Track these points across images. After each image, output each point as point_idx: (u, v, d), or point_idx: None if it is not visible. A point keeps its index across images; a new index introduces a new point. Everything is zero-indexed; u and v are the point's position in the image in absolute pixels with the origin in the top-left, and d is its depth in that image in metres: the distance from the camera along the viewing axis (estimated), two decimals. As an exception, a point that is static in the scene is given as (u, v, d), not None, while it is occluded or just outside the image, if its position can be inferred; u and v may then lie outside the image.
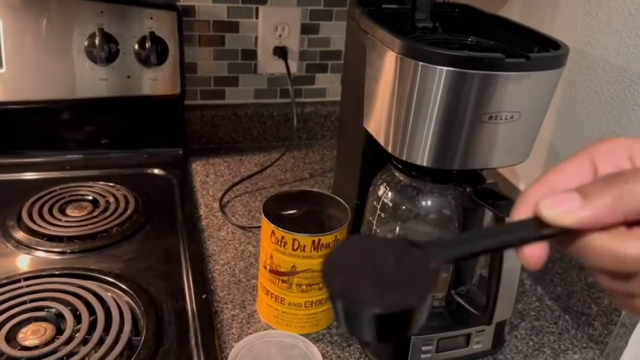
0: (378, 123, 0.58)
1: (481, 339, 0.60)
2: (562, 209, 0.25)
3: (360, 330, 0.25)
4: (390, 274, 0.25)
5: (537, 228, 0.26)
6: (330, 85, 1.06)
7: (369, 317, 0.24)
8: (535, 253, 0.26)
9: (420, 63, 0.49)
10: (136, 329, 0.59)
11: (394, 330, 0.25)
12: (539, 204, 0.25)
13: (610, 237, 0.24)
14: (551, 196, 0.25)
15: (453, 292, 0.59)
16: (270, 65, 1.00)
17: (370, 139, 0.61)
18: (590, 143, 0.28)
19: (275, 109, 1.02)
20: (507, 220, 0.39)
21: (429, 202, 0.59)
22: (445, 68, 0.48)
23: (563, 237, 0.25)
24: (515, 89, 0.49)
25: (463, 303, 0.58)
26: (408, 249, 0.27)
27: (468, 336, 0.59)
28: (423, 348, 0.58)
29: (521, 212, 0.27)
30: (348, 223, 0.60)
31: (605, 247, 0.24)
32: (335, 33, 1.01)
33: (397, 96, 0.52)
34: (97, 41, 0.82)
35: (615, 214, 0.24)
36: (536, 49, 0.54)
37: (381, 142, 0.57)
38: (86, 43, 0.83)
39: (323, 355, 0.58)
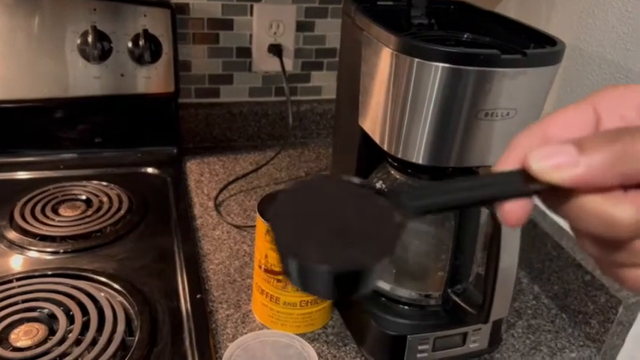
0: (373, 120, 0.57)
1: (478, 338, 0.60)
2: (554, 163, 0.21)
3: (312, 288, 0.23)
4: (348, 227, 0.23)
5: (523, 182, 0.23)
6: (325, 82, 1.05)
7: (321, 275, 0.22)
8: (517, 209, 0.23)
9: (416, 59, 0.48)
10: (129, 329, 0.58)
11: (349, 289, 0.22)
12: (528, 155, 0.22)
13: (603, 199, 0.21)
14: (544, 147, 0.22)
15: (449, 290, 0.58)
16: (265, 63, 0.99)
17: (366, 137, 0.60)
18: (596, 90, 0.24)
19: (270, 108, 1.02)
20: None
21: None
22: (441, 65, 0.47)
23: (550, 194, 0.23)
24: (511, 86, 0.49)
25: (459, 301, 0.57)
26: (371, 197, 0.24)
27: (465, 335, 0.59)
28: (419, 347, 0.58)
29: (507, 162, 0.24)
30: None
31: (596, 209, 0.21)
32: (330, 30, 1.01)
33: (392, 93, 0.52)
34: (89, 39, 0.82)
35: (614, 176, 0.21)
36: (532, 46, 0.54)
37: (377, 139, 0.57)
38: (79, 41, 0.83)
39: (318, 354, 0.58)
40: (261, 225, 0.59)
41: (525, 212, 0.23)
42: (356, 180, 0.26)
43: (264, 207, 0.60)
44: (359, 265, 0.22)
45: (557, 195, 0.22)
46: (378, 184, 0.61)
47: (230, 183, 0.90)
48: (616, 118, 0.23)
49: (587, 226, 0.22)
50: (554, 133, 0.23)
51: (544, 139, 0.23)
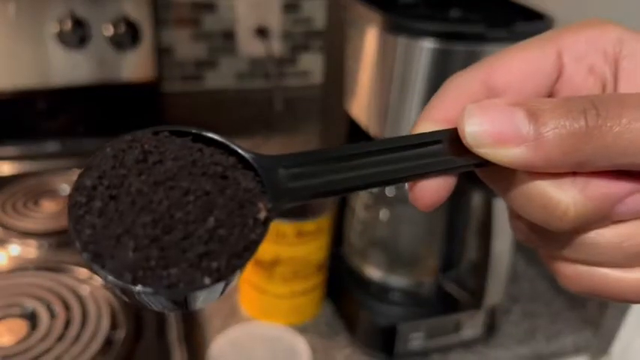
0: (359, 104, 0.56)
1: (472, 324, 0.59)
2: (496, 132, 0.16)
3: (128, 297, 0.17)
4: (183, 223, 0.16)
5: (450, 153, 0.17)
6: (314, 66, 1.03)
7: (131, 293, 0.16)
8: (433, 189, 0.18)
9: (401, 38, 0.47)
10: (114, 324, 0.57)
11: (172, 307, 0.16)
12: (463, 113, 0.17)
13: (549, 184, 0.17)
14: (484, 104, 0.17)
15: (441, 276, 0.57)
16: (251, 47, 0.97)
17: (354, 122, 0.59)
18: (564, 26, 0.19)
19: (258, 93, 0.99)
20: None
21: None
22: (427, 43, 0.46)
23: (483, 169, 0.18)
24: None
25: (453, 288, 0.56)
26: (229, 173, 0.17)
27: (459, 322, 0.58)
28: (412, 335, 0.56)
29: (432, 116, 0.19)
30: (332, 210, 0.58)
31: (539, 195, 0.17)
32: (317, 11, 0.98)
33: (378, 74, 0.50)
34: (68, 26, 0.79)
35: (569, 163, 0.16)
36: (519, 22, 0.52)
37: (363, 124, 0.55)
38: (57, 28, 0.80)
39: (309, 346, 0.57)
40: (246, 214, 0.57)
41: (444, 192, 0.18)
42: (215, 137, 0.18)
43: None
44: (202, 284, 0.15)
45: (494, 172, 0.18)
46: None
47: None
48: (583, 69, 0.18)
49: (528, 212, 0.18)
50: (503, 84, 0.18)
51: (488, 88, 0.18)
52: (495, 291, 0.53)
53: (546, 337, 0.62)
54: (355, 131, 0.59)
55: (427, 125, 0.19)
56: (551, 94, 0.19)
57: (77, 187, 0.17)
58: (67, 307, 0.57)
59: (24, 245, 0.68)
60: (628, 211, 0.17)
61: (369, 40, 0.51)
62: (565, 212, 0.17)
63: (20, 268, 0.63)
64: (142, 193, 0.16)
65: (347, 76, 0.58)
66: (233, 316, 0.61)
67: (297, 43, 1.00)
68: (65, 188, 0.78)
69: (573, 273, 0.19)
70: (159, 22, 0.86)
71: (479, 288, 0.53)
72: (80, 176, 0.17)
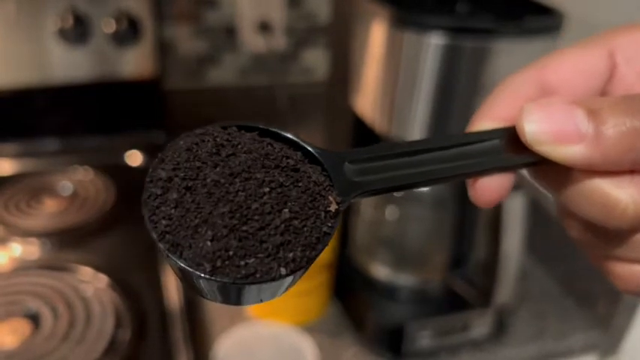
0: (365, 100, 0.55)
1: (481, 323, 0.58)
2: (556, 130, 0.16)
3: (199, 293, 0.17)
4: (257, 216, 0.16)
5: (509, 151, 0.18)
6: (318, 62, 1.02)
7: (211, 284, 0.16)
8: (493, 187, 0.18)
9: (409, 33, 0.46)
10: (118, 324, 0.56)
11: (245, 300, 0.17)
12: (522, 111, 0.17)
13: (608, 182, 0.17)
14: (543, 103, 0.17)
15: (450, 275, 0.57)
16: (254, 43, 0.96)
17: (359, 119, 0.58)
18: (611, 29, 0.19)
19: (260, 90, 0.99)
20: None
21: (423, 183, 0.56)
22: (435, 37, 0.45)
23: (541, 168, 0.18)
24: (509, 58, 0.47)
25: (461, 287, 0.56)
26: (298, 168, 0.17)
27: (467, 321, 0.57)
28: (419, 334, 0.56)
29: (490, 115, 0.19)
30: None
31: (599, 193, 0.17)
32: (321, 6, 0.97)
33: (385, 69, 0.50)
34: (68, 22, 0.78)
35: (630, 159, 0.16)
36: (529, 16, 0.51)
37: (369, 121, 0.54)
38: (57, 25, 0.79)
39: (316, 345, 0.56)
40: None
41: (504, 190, 0.19)
42: (282, 132, 0.19)
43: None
44: (263, 280, 0.16)
45: (550, 170, 0.18)
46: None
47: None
48: (636, 70, 0.18)
49: (585, 211, 0.18)
50: (556, 84, 0.19)
51: (543, 89, 0.19)
52: (504, 290, 0.53)
53: (555, 336, 0.62)
54: (360, 128, 0.59)
55: (484, 124, 0.19)
56: (603, 95, 0.19)
57: (152, 180, 0.17)
58: (70, 307, 0.57)
59: (26, 244, 0.67)
60: None
61: (376, 35, 0.50)
62: (624, 210, 0.16)
63: (23, 267, 0.62)
64: (218, 184, 0.16)
65: (352, 72, 0.57)
66: (238, 315, 0.61)
67: (301, 39, 0.99)
68: (66, 186, 0.77)
69: (629, 273, 0.19)
70: (160, 17, 0.85)
71: (488, 287, 0.52)
72: (154, 168, 0.17)
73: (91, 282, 0.61)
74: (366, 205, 0.59)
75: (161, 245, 0.16)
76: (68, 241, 0.68)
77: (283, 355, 0.54)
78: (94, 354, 0.52)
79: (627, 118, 0.16)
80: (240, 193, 0.16)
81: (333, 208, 0.17)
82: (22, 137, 0.85)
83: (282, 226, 0.16)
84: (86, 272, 0.62)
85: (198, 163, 0.17)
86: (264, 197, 0.16)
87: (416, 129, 0.50)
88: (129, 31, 0.81)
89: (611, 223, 0.17)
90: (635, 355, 0.63)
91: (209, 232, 0.15)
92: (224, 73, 0.98)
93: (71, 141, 0.87)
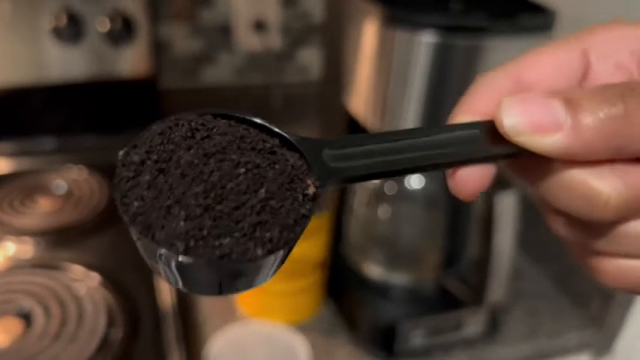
0: (358, 99, 0.55)
1: (474, 322, 0.58)
2: (534, 121, 0.16)
3: (170, 279, 0.16)
4: (233, 196, 0.16)
5: (487, 142, 0.18)
6: (313, 61, 1.02)
7: (176, 265, 0.15)
8: (472, 178, 0.18)
9: (401, 31, 0.46)
10: (111, 323, 0.56)
11: (223, 286, 0.16)
12: (500, 104, 0.17)
13: (588, 173, 0.17)
14: (521, 96, 0.17)
15: (442, 273, 0.57)
16: (249, 42, 0.96)
17: (353, 118, 0.58)
18: (586, 28, 0.19)
19: (255, 89, 0.99)
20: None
21: (416, 182, 0.56)
22: (428, 35, 0.45)
23: (520, 160, 0.18)
24: (501, 55, 0.47)
25: (454, 285, 0.56)
26: (276, 151, 0.17)
27: (460, 319, 0.57)
28: (413, 333, 0.56)
29: (468, 110, 0.19)
30: (331, 206, 0.57)
31: (579, 185, 0.17)
32: (316, 6, 0.97)
33: (377, 68, 0.49)
34: (63, 21, 0.78)
35: (609, 148, 0.16)
36: (521, 14, 0.51)
37: (362, 119, 0.54)
38: (52, 24, 0.79)
39: (309, 344, 0.56)
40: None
41: (483, 182, 0.18)
42: (257, 120, 0.18)
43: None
44: (254, 255, 0.15)
45: (530, 163, 0.18)
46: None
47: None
48: (610, 66, 0.19)
49: (566, 204, 0.17)
50: (532, 80, 0.19)
51: (519, 86, 0.19)
52: (497, 288, 0.53)
53: (549, 334, 0.61)
54: (354, 127, 0.58)
55: (462, 118, 0.19)
56: None
57: (124, 164, 0.17)
58: (62, 306, 0.57)
59: (20, 243, 0.67)
60: None
61: (368, 34, 0.50)
62: (606, 201, 0.16)
63: (16, 266, 0.62)
64: (192, 165, 0.16)
65: (346, 71, 0.57)
66: (231, 314, 0.61)
67: (296, 38, 0.99)
68: (61, 185, 0.77)
69: (615, 268, 0.18)
70: (155, 16, 0.85)
71: (480, 285, 0.52)
72: (126, 154, 0.17)
73: (84, 281, 0.61)
74: (360, 204, 0.59)
75: (132, 228, 0.16)
76: (62, 240, 0.68)
77: (276, 354, 0.54)
78: (86, 353, 0.52)
79: (605, 106, 0.16)
80: (214, 173, 0.16)
81: (311, 191, 0.17)
82: (17, 136, 0.85)
83: (259, 205, 0.16)
84: (79, 271, 0.62)
85: (171, 146, 0.17)
86: (240, 177, 0.16)
87: (408, 127, 0.50)
88: (124, 30, 0.81)
89: (594, 216, 0.17)
90: (629, 353, 0.63)
91: (182, 212, 0.15)
92: (219, 72, 0.98)
93: (66, 140, 0.87)
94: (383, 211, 0.57)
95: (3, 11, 0.77)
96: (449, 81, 0.47)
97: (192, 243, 0.15)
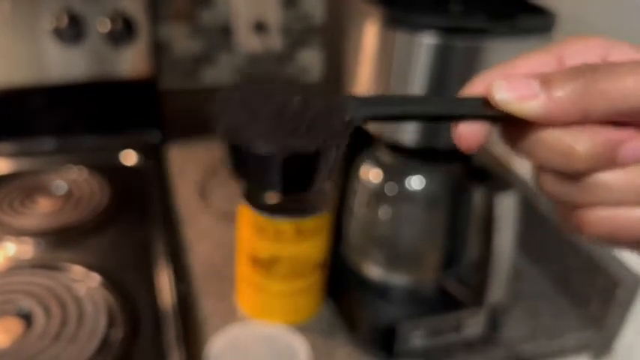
0: (360, 99, 0.55)
1: (474, 323, 0.58)
2: (517, 94, 0.22)
3: (259, 177, 0.23)
4: (296, 116, 0.23)
5: (483, 107, 0.23)
6: (313, 62, 1.02)
7: (268, 160, 0.22)
8: (471, 132, 0.23)
9: (401, 32, 0.46)
10: (111, 324, 0.56)
11: (299, 181, 0.23)
12: (492, 85, 0.22)
13: (562, 132, 0.21)
14: (508, 78, 0.22)
15: (443, 274, 0.57)
16: (249, 43, 0.96)
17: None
18: (563, 39, 0.24)
19: (256, 90, 0.99)
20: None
21: (416, 183, 0.56)
22: (428, 37, 0.45)
23: (508, 124, 0.23)
24: (501, 57, 0.47)
25: (454, 286, 0.56)
26: (319, 98, 0.24)
27: (460, 320, 0.57)
28: (413, 334, 0.56)
29: (470, 91, 0.24)
30: (331, 207, 0.57)
31: (555, 141, 0.21)
32: (317, 7, 0.97)
33: (378, 70, 0.50)
34: (63, 21, 0.78)
35: (575, 112, 0.21)
36: (521, 16, 0.52)
37: (364, 120, 0.54)
38: (52, 24, 0.79)
39: (309, 344, 0.56)
40: (245, 212, 0.56)
41: (479, 138, 0.24)
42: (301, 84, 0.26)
43: (249, 193, 0.57)
44: (309, 148, 0.22)
45: (515, 126, 0.23)
46: (367, 168, 0.58)
47: (215, 170, 0.87)
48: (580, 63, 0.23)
49: (547, 159, 0.22)
50: (520, 70, 0.24)
51: (511, 75, 0.24)
52: (497, 289, 0.53)
53: (548, 335, 0.62)
54: (356, 129, 0.59)
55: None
56: None
57: (218, 98, 0.24)
58: (63, 306, 0.57)
59: (20, 243, 0.67)
60: (629, 154, 0.21)
61: (369, 35, 0.50)
62: (579, 155, 0.21)
63: (16, 266, 0.63)
64: (264, 96, 0.24)
65: (346, 72, 0.57)
66: (231, 315, 0.61)
67: (296, 39, 0.99)
68: (61, 185, 0.77)
69: (595, 218, 0.22)
70: (156, 17, 0.85)
71: (480, 286, 0.52)
72: (217, 97, 0.24)
73: (84, 281, 0.61)
74: (360, 205, 0.59)
75: (223, 132, 0.22)
76: (62, 240, 0.68)
77: (276, 354, 0.54)
78: (86, 353, 0.52)
79: (570, 81, 0.21)
80: (278, 101, 0.23)
81: (347, 118, 0.23)
82: (17, 136, 0.85)
83: (310, 120, 0.22)
84: (79, 271, 0.62)
85: (249, 89, 0.24)
86: (295, 104, 0.23)
87: (408, 128, 0.50)
88: (124, 31, 0.81)
89: (569, 167, 0.21)
90: (628, 354, 0.63)
91: (261, 122, 0.22)
92: (220, 73, 0.98)
93: (66, 140, 0.87)
94: (383, 212, 0.58)
95: (3, 11, 0.78)
96: (448, 81, 0.47)
97: (269, 138, 0.21)
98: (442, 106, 0.24)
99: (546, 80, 0.21)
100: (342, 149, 0.22)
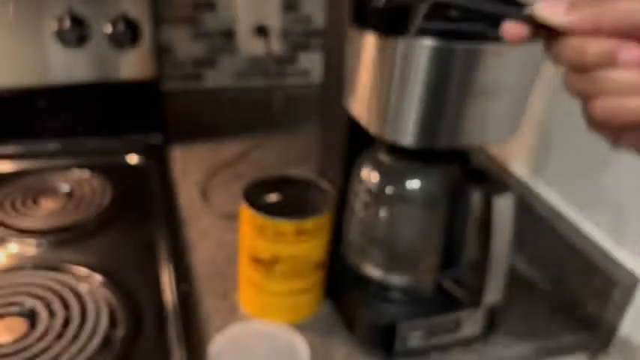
0: (359, 102, 0.56)
1: (471, 323, 0.59)
2: (551, 11, 0.30)
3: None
4: None
5: (529, 18, 0.31)
6: (314, 65, 1.03)
7: None
8: (515, 27, 0.31)
9: (402, 38, 0.47)
10: (113, 322, 0.57)
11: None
12: (535, 6, 0.31)
13: (579, 39, 0.29)
14: (547, 2, 0.31)
15: (441, 275, 0.57)
16: (251, 45, 0.97)
17: (353, 121, 0.59)
18: None
19: (257, 92, 1.00)
20: None
21: (415, 184, 0.57)
22: (428, 42, 0.46)
23: (543, 31, 0.31)
24: (500, 62, 0.48)
25: (452, 286, 0.56)
26: None
27: (458, 320, 0.58)
28: (411, 334, 0.57)
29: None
30: (331, 208, 0.58)
31: (574, 43, 0.30)
32: (317, 10, 0.98)
33: (378, 73, 0.50)
34: (66, 24, 0.79)
35: (591, 25, 0.29)
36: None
37: (364, 122, 0.55)
38: (56, 27, 0.80)
39: (308, 343, 0.57)
40: (246, 212, 0.57)
41: (522, 33, 0.31)
42: None
43: (250, 194, 0.58)
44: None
45: (550, 36, 0.31)
46: (367, 170, 0.59)
47: (217, 170, 0.88)
48: None
49: (567, 57, 0.30)
50: None
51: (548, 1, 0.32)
52: (494, 289, 0.53)
53: (545, 335, 0.62)
54: (355, 130, 0.59)
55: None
56: None
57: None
58: (66, 306, 0.57)
59: (23, 244, 0.68)
60: (625, 56, 0.28)
61: (369, 39, 0.51)
62: (589, 54, 0.29)
63: (19, 266, 0.63)
64: None
65: (346, 75, 0.58)
66: (233, 314, 0.61)
67: (297, 42, 1.00)
68: (63, 186, 0.78)
69: (599, 104, 0.30)
70: (158, 20, 0.86)
71: (478, 286, 0.53)
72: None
73: (87, 281, 0.61)
74: (359, 206, 0.60)
75: None
76: (64, 240, 0.68)
77: (277, 353, 0.54)
78: (88, 352, 0.52)
79: (590, 6, 0.29)
80: None
81: None
82: (21, 138, 0.86)
83: None
84: (82, 271, 0.62)
85: None
86: None
87: (409, 131, 0.51)
88: (127, 34, 0.82)
89: (582, 62, 0.29)
90: (624, 355, 0.64)
91: None
92: (221, 76, 0.99)
93: (69, 142, 0.88)
94: (382, 213, 0.58)
95: (8, 14, 0.78)
96: (448, 85, 0.48)
97: None
98: (503, 7, 0.31)
99: (573, 3, 0.30)
100: None
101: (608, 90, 0.29)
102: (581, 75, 0.30)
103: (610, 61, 0.29)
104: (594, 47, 0.29)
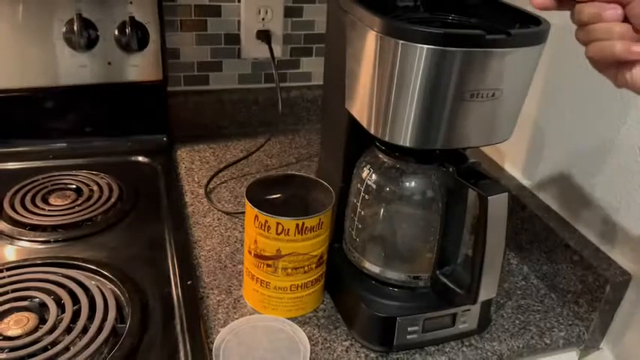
0: (359, 104, 0.57)
1: (467, 318, 0.60)
2: None
3: None
4: None
5: None
6: (315, 68, 1.05)
7: None
8: None
9: (400, 41, 0.48)
10: (120, 317, 0.58)
11: None
12: None
13: (584, 4, 0.41)
14: None
15: (437, 272, 0.59)
16: (254, 49, 0.99)
17: (353, 122, 0.60)
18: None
19: (260, 94, 1.01)
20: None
21: (413, 183, 0.58)
22: (425, 46, 0.47)
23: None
24: (497, 66, 0.49)
25: (448, 283, 0.57)
26: None
27: (454, 316, 0.59)
28: (409, 329, 0.58)
29: None
30: (332, 206, 0.60)
31: (579, 7, 0.41)
32: (319, 15, 1.00)
33: (378, 76, 0.52)
34: (75, 27, 0.81)
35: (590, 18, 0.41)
36: (517, 26, 0.53)
37: (364, 123, 0.56)
38: (65, 30, 0.82)
39: (309, 337, 0.58)
40: (250, 211, 0.59)
41: (548, 1, 0.43)
42: None
43: (253, 193, 0.60)
44: None
45: (568, 5, 0.42)
46: (366, 170, 0.61)
47: (221, 170, 0.89)
48: None
49: (577, 16, 0.42)
50: None
51: None
52: (489, 286, 0.54)
53: (539, 331, 0.63)
54: (356, 132, 0.61)
55: None
56: None
57: None
58: (74, 301, 0.58)
59: (33, 240, 0.69)
60: (608, 15, 0.40)
61: (368, 43, 0.52)
62: (584, 13, 0.41)
63: (30, 262, 0.64)
64: None
65: (347, 79, 0.59)
66: (236, 309, 0.63)
67: (299, 46, 1.02)
68: (73, 185, 0.80)
69: (591, 47, 0.41)
70: (165, 24, 0.88)
71: (473, 283, 0.54)
72: None
73: (95, 276, 0.63)
74: (359, 204, 0.61)
75: None
76: (73, 237, 0.70)
77: (279, 346, 0.55)
78: (96, 345, 0.53)
79: (592, 6, 0.41)
80: None
81: None
82: (30, 138, 0.87)
83: None
84: (91, 267, 0.64)
85: None
86: None
87: (408, 133, 0.52)
88: (135, 38, 0.83)
89: (580, 19, 0.41)
90: (616, 351, 0.65)
91: None
92: (225, 79, 1.01)
93: (77, 142, 0.89)
94: (381, 211, 0.60)
95: (17, 17, 0.80)
96: (445, 88, 0.49)
97: None
98: None
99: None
100: None
101: (595, 37, 0.41)
102: (582, 29, 0.42)
103: (599, 18, 0.40)
104: (588, 8, 0.41)
